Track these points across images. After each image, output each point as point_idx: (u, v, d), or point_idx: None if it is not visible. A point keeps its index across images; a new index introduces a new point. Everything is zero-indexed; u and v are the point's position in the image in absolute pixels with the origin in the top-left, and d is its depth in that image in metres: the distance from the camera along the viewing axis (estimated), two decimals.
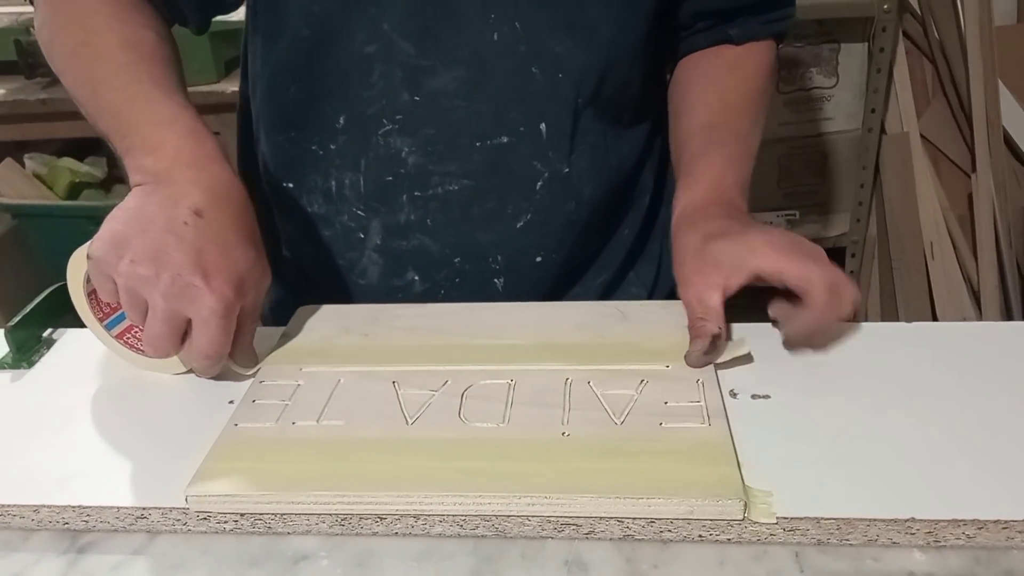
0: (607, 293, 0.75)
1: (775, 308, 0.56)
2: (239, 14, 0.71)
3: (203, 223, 0.51)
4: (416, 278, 0.69)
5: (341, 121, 0.65)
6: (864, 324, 0.57)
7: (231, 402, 0.53)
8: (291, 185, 0.70)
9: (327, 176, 0.68)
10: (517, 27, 0.62)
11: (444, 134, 0.65)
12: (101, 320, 0.57)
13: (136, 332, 0.57)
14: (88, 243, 0.54)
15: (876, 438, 0.47)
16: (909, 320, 0.60)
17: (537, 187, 0.66)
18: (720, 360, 0.53)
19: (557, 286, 0.72)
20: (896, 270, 1.54)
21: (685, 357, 0.53)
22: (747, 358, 0.54)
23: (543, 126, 0.65)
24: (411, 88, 0.63)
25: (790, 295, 0.54)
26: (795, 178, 1.58)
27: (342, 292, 0.71)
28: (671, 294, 0.61)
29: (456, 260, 0.68)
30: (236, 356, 0.54)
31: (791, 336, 0.55)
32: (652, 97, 0.74)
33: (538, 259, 0.69)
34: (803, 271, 0.52)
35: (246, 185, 0.56)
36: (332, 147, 0.67)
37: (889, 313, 1.58)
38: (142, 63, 0.59)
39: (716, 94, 0.69)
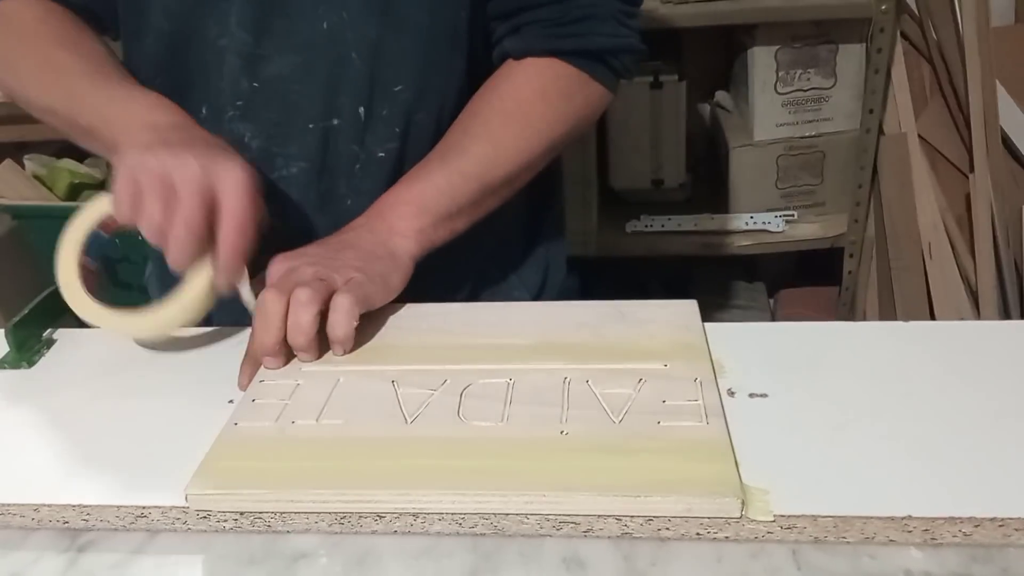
0: (476, 295, 0.75)
1: None
2: None
3: (198, 134, 0.59)
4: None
5: (204, 111, 0.68)
6: (862, 323, 0.58)
7: (231, 401, 0.53)
8: None
9: None
10: (344, 16, 0.65)
11: (283, 118, 0.68)
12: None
13: None
14: (75, 217, 0.59)
15: (873, 436, 0.47)
16: (907, 320, 0.60)
17: (355, 169, 0.69)
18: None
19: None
20: (894, 270, 1.54)
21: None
22: None
23: (361, 110, 0.67)
24: (249, 75, 0.67)
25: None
26: (793, 178, 1.58)
27: None
28: (559, 297, 0.61)
29: (303, 243, 0.69)
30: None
31: None
32: None
33: None
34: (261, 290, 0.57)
35: None
36: None
37: (887, 313, 1.58)
38: (104, 67, 0.66)
39: (463, 112, 0.69)
